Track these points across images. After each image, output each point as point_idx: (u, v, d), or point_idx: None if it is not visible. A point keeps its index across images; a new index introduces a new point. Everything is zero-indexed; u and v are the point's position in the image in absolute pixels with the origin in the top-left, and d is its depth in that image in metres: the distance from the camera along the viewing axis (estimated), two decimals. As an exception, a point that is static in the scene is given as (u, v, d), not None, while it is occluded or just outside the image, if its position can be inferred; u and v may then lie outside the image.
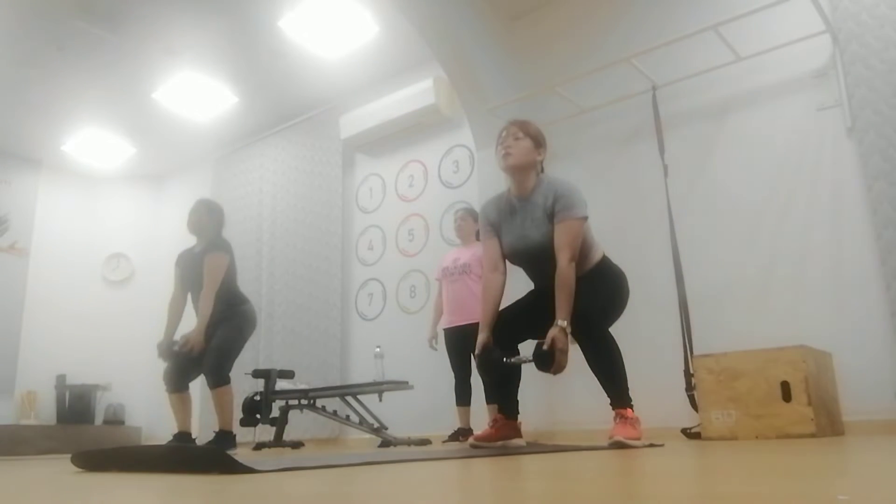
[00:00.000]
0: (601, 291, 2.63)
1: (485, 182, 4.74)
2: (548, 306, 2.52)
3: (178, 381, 3.77)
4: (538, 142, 2.70)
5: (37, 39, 5.21)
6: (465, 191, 5.27)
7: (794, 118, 3.85)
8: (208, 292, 3.67)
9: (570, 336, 2.48)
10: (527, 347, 2.61)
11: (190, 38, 5.33)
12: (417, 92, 5.45)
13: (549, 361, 2.42)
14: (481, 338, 2.65)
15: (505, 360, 2.57)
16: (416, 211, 5.63)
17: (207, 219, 3.89)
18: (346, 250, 6.02)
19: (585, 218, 2.59)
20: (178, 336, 3.81)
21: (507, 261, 2.77)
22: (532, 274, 2.80)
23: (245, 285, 6.42)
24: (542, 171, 2.75)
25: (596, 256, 2.73)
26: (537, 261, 2.65)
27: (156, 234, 7.68)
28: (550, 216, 2.59)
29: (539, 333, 2.56)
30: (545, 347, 2.42)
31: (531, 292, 2.83)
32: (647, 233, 4.20)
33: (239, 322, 3.79)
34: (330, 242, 6.00)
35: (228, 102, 6.27)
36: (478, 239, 4.15)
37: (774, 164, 3.87)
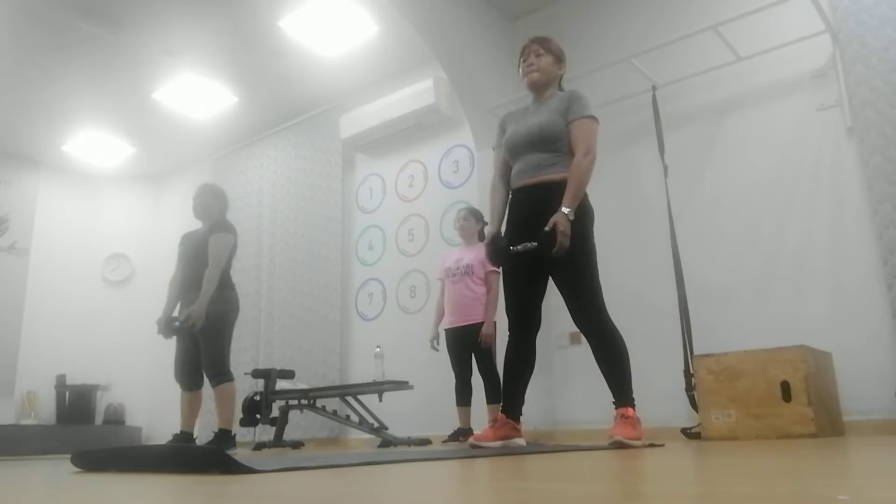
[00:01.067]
0: (582, 247, 2.62)
1: (485, 182, 4.73)
2: (537, 215, 2.57)
3: (192, 380, 3.79)
4: (559, 57, 2.87)
5: (37, 40, 5.21)
6: (465, 191, 5.27)
7: (794, 118, 3.85)
8: (213, 270, 3.73)
9: (571, 334, 2.49)
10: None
11: (190, 38, 5.34)
12: (417, 92, 5.45)
13: (552, 242, 2.51)
14: (489, 229, 2.86)
15: (511, 248, 2.69)
16: (416, 211, 5.63)
17: (213, 202, 3.97)
18: (346, 250, 6.02)
19: (597, 120, 2.72)
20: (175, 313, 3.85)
21: (508, 162, 2.86)
22: (522, 164, 2.78)
23: (245, 285, 6.49)
24: (561, 87, 2.88)
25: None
26: (531, 144, 2.73)
27: (156, 234, 7.69)
28: (562, 112, 2.71)
29: (543, 285, 2.72)
30: (547, 228, 2.52)
31: (516, 215, 2.81)
32: (647, 233, 4.20)
33: (224, 311, 3.79)
34: (330, 242, 6.00)
35: (228, 102, 6.27)
36: (480, 240, 4.16)
37: (774, 164, 3.87)
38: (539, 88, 2.84)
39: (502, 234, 2.81)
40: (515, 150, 2.81)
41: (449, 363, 4.20)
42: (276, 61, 5.67)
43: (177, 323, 3.74)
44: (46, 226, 7.27)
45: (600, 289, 2.65)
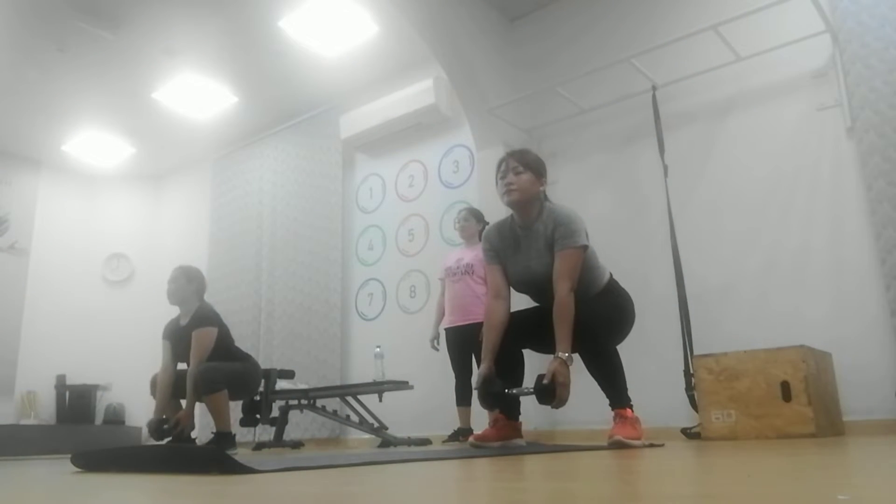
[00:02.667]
0: (607, 312, 2.61)
1: (485, 182, 4.73)
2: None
3: (165, 431, 3.70)
4: (539, 172, 2.67)
5: (37, 40, 5.21)
6: (465, 191, 5.27)
7: (794, 118, 3.85)
8: (195, 368, 3.59)
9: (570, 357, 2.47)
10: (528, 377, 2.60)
11: (190, 38, 5.34)
12: (417, 92, 5.45)
13: (550, 395, 2.40)
14: (483, 368, 2.60)
15: (507, 391, 2.54)
16: (416, 211, 5.63)
17: (188, 287, 3.79)
18: (346, 250, 6.02)
19: (585, 247, 2.55)
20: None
21: (511, 288, 2.75)
22: (537, 301, 2.78)
23: (245, 285, 6.49)
24: (546, 198, 2.71)
25: (603, 280, 2.71)
26: (543, 291, 2.63)
27: (156, 234, 7.69)
28: (551, 246, 2.57)
29: (543, 345, 2.57)
30: (546, 381, 2.40)
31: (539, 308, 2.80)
32: (647, 233, 4.20)
33: (248, 368, 3.83)
34: (330, 242, 6.00)
35: (228, 102, 6.27)
36: (480, 240, 4.16)
37: (774, 164, 3.87)
38: (519, 208, 2.65)
39: (495, 375, 2.57)
40: (525, 292, 2.77)
41: (449, 363, 4.20)
42: (276, 61, 5.67)
43: (166, 427, 3.65)
44: (46, 226, 7.26)
45: (612, 333, 2.62)
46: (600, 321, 2.54)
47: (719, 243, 3.97)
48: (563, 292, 2.46)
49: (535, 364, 2.76)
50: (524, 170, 2.63)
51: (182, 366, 3.80)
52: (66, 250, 7.34)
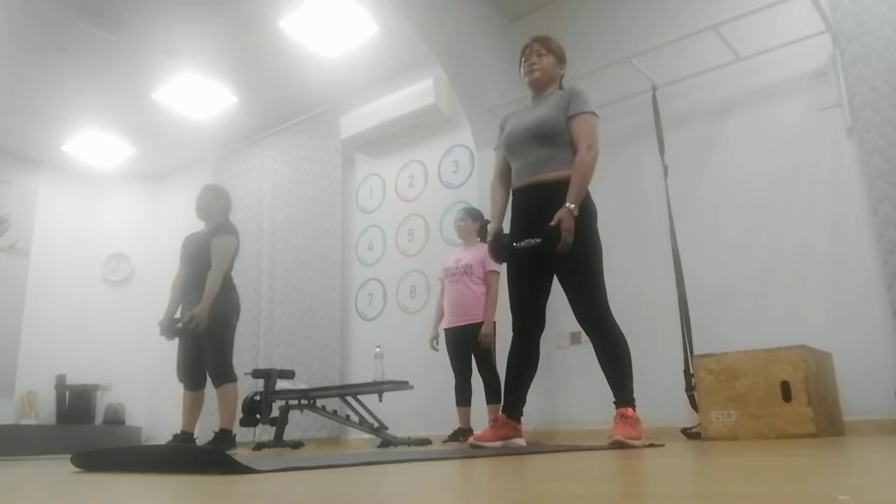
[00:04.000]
0: (588, 246, 2.64)
1: (485, 182, 4.72)
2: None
3: (195, 379, 3.79)
4: (560, 57, 2.90)
5: (37, 40, 5.21)
6: (465, 191, 5.27)
7: (794, 118, 3.85)
8: (217, 272, 3.72)
9: (571, 334, 2.49)
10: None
11: (190, 38, 5.34)
12: (417, 92, 5.45)
13: (556, 238, 2.52)
14: (492, 227, 2.85)
15: (515, 244, 2.69)
16: (416, 211, 5.63)
17: (215, 203, 3.97)
18: (346, 250, 6.02)
19: (597, 117, 2.74)
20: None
21: (508, 161, 2.87)
22: (522, 162, 2.79)
23: (245, 285, 6.48)
24: (562, 87, 2.89)
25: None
26: (530, 142, 2.73)
27: (156, 234, 7.69)
28: (561, 108, 2.72)
29: (548, 280, 2.72)
30: (552, 224, 2.52)
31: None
32: (647, 233, 4.20)
33: (226, 313, 3.80)
34: (330, 242, 6.00)
35: (228, 102, 6.27)
36: (479, 239, 4.16)
37: (774, 165, 3.86)
38: (540, 87, 2.86)
39: (504, 232, 2.81)
40: (514, 145, 2.80)
41: (449, 363, 4.20)
42: (276, 61, 5.67)
43: (179, 324, 3.74)
44: (46, 226, 7.27)
45: (604, 287, 2.65)
46: (585, 268, 2.63)
47: (719, 243, 3.97)
48: (582, 150, 2.64)
49: (540, 365, 2.77)
50: (547, 52, 2.86)
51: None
52: (66, 250, 7.34)
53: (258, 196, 6.76)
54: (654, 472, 1.26)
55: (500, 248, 2.78)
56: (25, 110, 6.29)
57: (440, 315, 4.35)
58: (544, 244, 2.56)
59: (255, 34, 5.30)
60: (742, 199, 3.94)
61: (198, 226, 4.06)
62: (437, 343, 4.33)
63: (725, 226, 3.97)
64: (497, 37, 5.06)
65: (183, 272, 3.93)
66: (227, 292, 3.83)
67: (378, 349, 4.51)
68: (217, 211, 3.97)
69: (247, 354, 6.22)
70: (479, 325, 4.03)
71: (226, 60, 5.66)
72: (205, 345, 3.71)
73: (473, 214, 4.30)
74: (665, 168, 4.03)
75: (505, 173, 2.91)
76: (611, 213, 4.35)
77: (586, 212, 2.66)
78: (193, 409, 3.83)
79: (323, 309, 5.85)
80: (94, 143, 6.94)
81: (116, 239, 7.69)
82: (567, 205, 2.55)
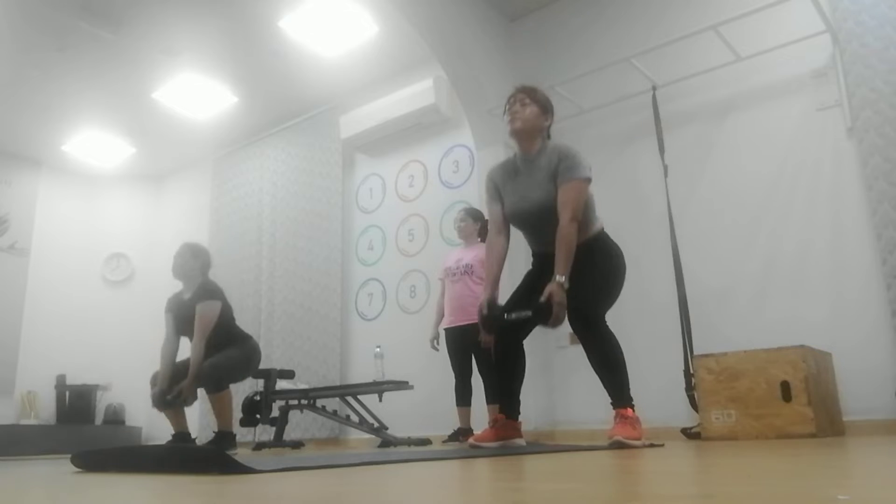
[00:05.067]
0: (598, 268, 2.64)
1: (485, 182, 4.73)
2: (545, 281, 2.55)
3: (168, 401, 3.72)
4: (545, 108, 2.77)
5: (37, 40, 5.21)
6: (465, 191, 5.27)
7: (794, 118, 3.85)
8: (198, 341, 3.62)
9: (571, 334, 2.49)
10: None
11: (190, 38, 5.34)
12: (417, 92, 5.45)
13: (546, 314, 2.47)
14: (485, 295, 2.72)
15: (506, 315, 2.63)
16: (416, 211, 5.63)
17: (192, 263, 3.82)
18: (346, 250, 6.02)
19: (589, 180, 2.63)
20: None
21: (509, 224, 2.82)
22: (532, 237, 2.81)
23: (245, 285, 6.49)
24: (549, 137, 2.80)
25: (596, 227, 2.76)
26: (537, 222, 2.68)
27: (156, 234, 7.69)
28: (554, 177, 2.63)
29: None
30: (542, 300, 2.47)
31: (527, 277, 2.83)
32: (647, 233, 4.20)
33: (248, 353, 3.81)
34: (330, 242, 6.00)
35: (228, 102, 6.27)
36: (480, 239, 4.16)
37: (774, 164, 3.87)
38: (523, 139, 2.73)
39: (497, 301, 2.70)
40: (520, 225, 2.79)
41: (449, 363, 4.20)
42: (276, 61, 5.67)
43: (169, 398, 3.68)
44: (46, 226, 7.26)
45: (605, 302, 2.64)
46: (589, 277, 2.58)
47: (719, 243, 3.97)
48: (565, 220, 2.54)
49: (532, 365, 2.76)
50: (531, 103, 2.74)
51: (183, 360, 3.79)
52: (66, 250, 7.34)
53: (258, 196, 6.76)
54: (654, 472, 1.26)
55: (492, 321, 2.67)
56: (25, 110, 6.29)
57: (440, 315, 4.35)
58: (535, 319, 2.52)
59: (254, 34, 5.30)
60: (742, 199, 3.94)
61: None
62: (438, 343, 4.33)
63: (725, 226, 3.97)
64: (497, 37, 5.06)
65: (173, 337, 3.83)
66: (240, 348, 3.77)
67: (378, 349, 4.51)
68: (195, 270, 3.82)
69: (247, 354, 6.22)
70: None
71: (226, 60, 5.66)
72: (214, 359, 3.66)
73: (474, 214, 4.29)
74: (665, 168, 4.03)
75: (503, 227, 2.80)
76: (611, 213, 4.35)
77: (603, 254, 2.67)
78: (176, 416, 3.81)
79: (323, 309, 5.85)
80: (94, 143, 6.94)
81: (116, 239, 7.69)
82: (556, 278, 2.47)
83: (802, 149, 3.79)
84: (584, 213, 2.65)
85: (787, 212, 3.78)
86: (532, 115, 2.71)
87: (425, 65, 5.43)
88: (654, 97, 4.18)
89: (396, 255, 5.67)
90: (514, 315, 2.61)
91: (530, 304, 2.57)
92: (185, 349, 3.79)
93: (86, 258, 7.48)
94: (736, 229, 3.93)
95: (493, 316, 2.67)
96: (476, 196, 4.95)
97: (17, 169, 7.16)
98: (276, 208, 6.51)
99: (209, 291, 3.74)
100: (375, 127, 5.71)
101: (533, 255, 2.88)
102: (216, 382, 3.62)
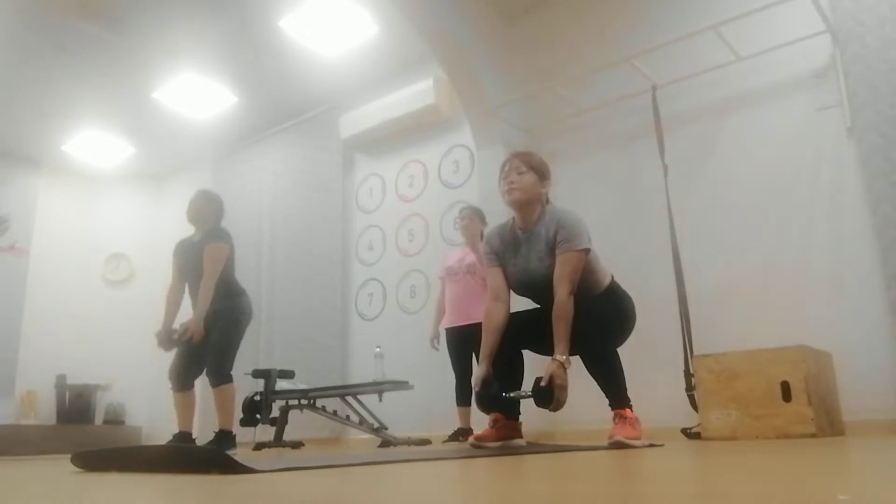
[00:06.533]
0: (607, 314, 2.61)
1: (485, 182, 4.73)
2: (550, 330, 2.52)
3: (183, 379, 3.77)
4: (542, 174, 2.67)
5: (37, 39, 5.21)
6: (465, 191, 5.26)
7: (794, 118, 3.85)
8: (208, 282, 3.66)
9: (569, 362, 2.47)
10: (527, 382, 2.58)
11: (190, 38, 5.33)
12: (417, 92, 5.45)
13: (548, 398, 2.41)
14: (481, 371, 2.61)
15: (504, 394, 2.54)
16: (416, 211, 5.63)
17: (207, 208, 3.90)
18: (346, 250, 6.02)
19: (587, 250, 2.56)
20: (176, 325, 3.81)
21: (511, 290, 2.75)
22: (538, 303, 2.78)
23: (245, 285, 6.41)
24: (548, 201, 2.72)
25: (604, 282, 2.71)
26: (543, 293, 2.62)
27: (156, 234, 7.68)
28: (553, 248, 2.57)
29: (541, 346, 2.57)
30: (543, 384, 2.40)
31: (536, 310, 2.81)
32: (647, 233, 4.20)
33: (236, 315, 3.79)
34: (330, 242, 6.00)
35: (228, 102, 6.27)
36: (481, 239, 4.15)
37: (774, 164, 3.86)
38: (522, 208, 2.65)
39: (492, 378, 2.59)
40: (524, 294, 2.76)
41: (449, 363, 4.20)
42: (276, 61, 5.66)
43: (175, 336, 3.72)
44: (46, 226, 7.26)
45: (610, 338, 2.63)
46: (600, 323, 2.54)
47: (719, 243, 3.97)
48: (562, 295, 2.47)
49: (534, 366, 2.76)
50: (527, 170, 2.64)
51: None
52: (66, 250, 7.34)
53: (258, 196, 6.76)
54: (654, 472, 1.26)
55: (490, 400, 2.58)
56: (25, 110, 6.29)
57: (441, 314, 4.34)
58: (536, 402, 2.46)
59: (255, 34, 5.30)
60: (742, 199, 3.94)
61: (191, 229, 4.00)
62: (438, 342, 4.33)
63: (725, 226, 3.97)
64: (497, 37, 5.06)
65: (178, 283, 3.87)
66: (237, 298, 3.80)
67: (378, 349, 4.51)
68: (208, 216, 3.89)
69: (247, 354, 6.20)
70: (480, 324, 4.02)
71: (226, 60, 5.66)
72: (210, 345, 3.69)
73: (480, 215, 4.28)
74: (665, 168, 4.03)
75: (503, 292, 2.71)
76: (611, 212, 4.37)
77: (612, 298, 2.65)
78: (186, 409, 3.82)
79: (323, 309, 5.85)
80: (94, 143, 6.94)
81: (116, 239, 7.69)
82: (557, 357, 2.42)
83: (802, 149, 3.79)
84: (591, 277, 2.61)
85: (787, 212, 3.77)
86: (529, 183, 2.62)
87: (425, 65, 5.43)
88: (654, 97, 4.18)
89: (396, 255, 5.67)
90: (512, 394, 2.54)
91: (535, 347, 2.54)
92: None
93: (86, 258, 7.48)
94: (736, 229, 3.93)
95: (489, 395, 2.56)
96: (476, 196, 4.95)
97: (17, 169, 7.16)
98: (276, 208, 6.51)
99: (218, 234, 3.82)
100: (375, 127, 5.72)
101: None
102: (219, 375, 3.66)
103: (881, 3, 3.59)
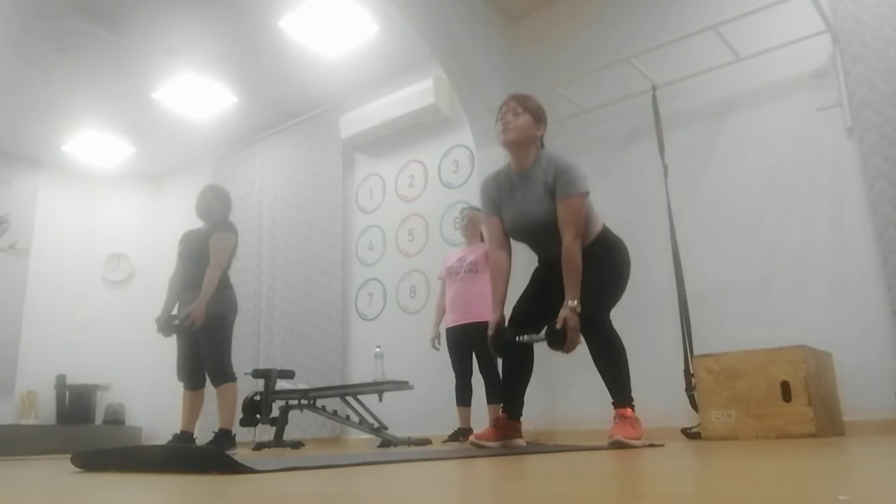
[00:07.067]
0: (603, 269, 2.64)
1: (485, 182, 4.73)
2: (554, 285, 2.55)
3: (195, 379, 3.79)
4: (538, 117, 2.68)
5: (37, 39, 5.21)
6: (465, 191, 5.27)
7: (794, 118, 3.85)
8: (214, 269, 3.74)
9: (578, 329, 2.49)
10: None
11: (190, 38, 5.33)
12: (417, 92, 5.45)
13: (561, 340, 2.46)
14: (494, 317, 2.67)
15: (517, 338, 2.60)
16: (416, 211, 5.63)
17: (216, 202, 3.99)
18: (346, 250, 6.02)
19: (587, 193, 2.60)
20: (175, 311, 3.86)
21: (509, 238, 2.79)
22: (535, 249, 2.82)
23: (245, 285, 6.48)
24: (543, 146, 2.73)
25: (597, 228, 2.74)
26: (540, 237, 2.67)
27: (156, 234, 7.69)
28: (551, 192, 2.58)
29: (552, 316, 2.59)
30: (558, 327, 2.45)
31: (535, 278, 2.84)
32: (647, 233, 4.20)
33: (223, 309, 3.81)
34: (330, 242, 6.00)
35: (228, 102, 6.27)
36: (482, 239, 4.15)
37: (774, 164, 3.87)
38: (517, 150, 2.66)
39: (505, 324, 2.68)
40: (523, 239, 2.78)
41: (449, 363, 4.20)
42: (276, 61, 5.67)
43: (176, 322, 3.74)
44: (46, 226, 7.26)
45: (608, 299, 2.65)
46: (595, 280, 2.57)
47: (719, 243, 3.97)
48: (568, 240, 2.51)
49: (536, 367, 2.77)
50: (523, 112, 2.66)
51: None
52: (66, 250, 7.34)
53: (258, 196, 6.76)
54: (654, 472, 1.26)
55: (504, 344, 2.64)
56: (25, 110, 6.29)
57: (441, 314, 4.34)
58: (549, 344, 2.51)
59: (254, 34, 5.30)
60: (742, 199, 3.94)
61: (198, 224, 4.06)
62: (439, 342, 4.33)
63: (725, 226, 3.97)
64: (497, 37, 5.06)
65: (181, 269, 3.93)
66: (224, 291, 3.83)
67: (378, 349, 4.51)
68: (216, 209, 3.98)
69: (247, 354, 6.22)
70: (482, 324, 4.03)
71: (226, 60, 5.66)
72: (203, 344, 3.71)
73: (479, 214, 4.28)
74: (665, 168, 4.03)
75: (504, 241, 2.76)
76: (611, 212, 4.35)
77: (606, 254, 2.66)
78: (193, 408, 3.84)
79: (323, 309, 5.85)
80: (94, 143, 6.94)
81: (116, 239, 7.69)
82: (568, 302, 2.47)
83: (802, 149, 3.79)
84: (589, 224, 2.64)
85: (788, 212, 3.78)
86: (525, 124, 2.63)
87: (425, 65, 5.43)
88: (654, 97, 4.18)
89: (396, 255, 5.67)
90: (525, 338, 2.58)
91: (542, 324, 2.57)
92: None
93: (86, 258, 7.48)
94: (736, 229, 3.93)
95: (503, 338, 2.63)
96: (476, 196, 4.94)
97: (17, 169, 7.15)
98: (276, 208, 6.51)
99: (226, 225, 3.92)
100: (375, 127, 5.72)
101: (539, 260, 2.87)
102: (222, 375, 3.68)
103: (881, 3, 3.59)
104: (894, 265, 3.34)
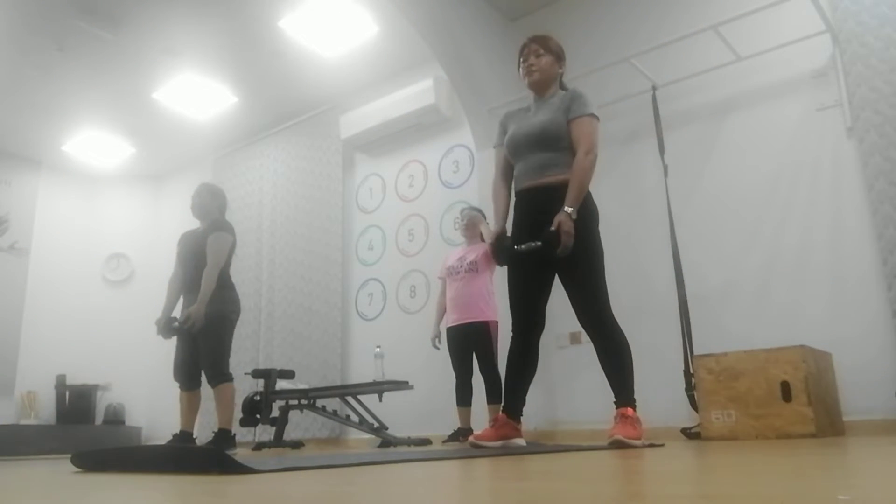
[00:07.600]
0: (589, 248, 2.65)
1: (485, 182, 4.72)
2: (541, 213, 2.60)
3: (191, 379, 3.79)
4: (559, 56, 2.88)
5: (37, 40, 5.21)
6: (465, 191, 5.27)
7: (794, 118, 3.85)
8: (212, 270, 3.72)
9: (571, 334, 2.50)
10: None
11: (190, 38, 5.33)
12: (417, 92, 5.45)
13: (556, 241, 2.53)
14: (495, 228, 2.86)
15: (515, 247, 2.70)
16: (416, 211, 5.63)
17: (210, 201, 3.98)
18: (346, 250, 6.02)
19: (598, 118, 2.73)
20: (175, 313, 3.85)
21: (510, 161, 2.88)
22: (523, 166, 2.80)
23: (245, 285, 6.48)
24: (563, 87, 2.89)
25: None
26: (536, 143, 2.73)
27: (156, 234, 7.68)
28: (565, 110, 2.72)
29: (546, 292, 2.73)
30: (552, 228, 2.54)
31: (518, 223, 2.82)
32: (647, 233, 4.20)
33: (225, 310, 3.80)
34: (330, 242, 6.00)
35: (228, 102, 6.27)
36: (482, 240, 4.16)
37: (774, 165, 3.87)
38: (540, 88, 2.85)
39: (507, 234, 2.82)
40: (517, 150, 2.81)
41: (449, 363, 4.20)
42: (276, 61, 5.66)
43: (176, 324, 3.74)
44: (46, 226, 7.26)
45: (605, 288, 2.66)
46: (590, 266, 2.64)
47: (719, 243, 3.97)
48: (581, 154, 2.65)
49: (539, 367, 2.77)
50: (545, 52, 2.84)
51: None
52: (66, 250, 7.34)
53: (258, 196, 6.76)
54: (654, 472, 1.26)
55: (502, 251, 2.79)
56: (25, 110, 6.29)
57: (441, 313, 4.34)
58: (545, 248, 2.57)
59: (254, 34, 5.30)
60: (742, 199, 3.94)
61: (197, 224, 4.05)
62: (439, 342, 4.33)
63: (725, 226, 3.97)
64: (497, 37, 5.06)
65: (180, 271, 3.93)
66: (226, 291, 3.82)
67: (378, 349, 4.51)
68: (213, 209, 3.97)
69: (247, 354, 6.22)
70: (482, 323, 4.03)
71: (226, 60, 5.66)
72: (202, 344, 3.70)
73: (482, 215, 4.29)
74: (665, 168, 4.03)
75: (507, 172, 2.91)
76: (611, 213, 4.34)
77: (587, 213, 2.66)
78: (190, 409, 3.83)
79: (323, 309, 5.85)
80: (94, 143, 6.94)
81: (116, 239, 7.69)
82: (565, 208, 2.56)
83: (802, 149, 3.79)
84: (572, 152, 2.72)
85: (788, 212, 3.78)
86: (547, 64, 2.83)
87: (425, 65, 5.43)
88: (654, 97, 4.18)
89: (396, 255, 5.67)
90: (523, 246, 2.66)
91: (539, 237, 2.61)
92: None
93: (86, 258, 7.48)
94: (736, 229, 3.93)
95: (503, 247, 2.77)
96: (476, 196, 4.95)
97: (17, 169, 7.16)
98: (276, 208, 6.51)
99: (223, 224, 3.91)
100: (375, 127, 5.71)
101: (518, 195, 2.85)
102: (219, 375, 3.68)
103: (881, 3, 3.59)
104: (894, 265, 3.34)
